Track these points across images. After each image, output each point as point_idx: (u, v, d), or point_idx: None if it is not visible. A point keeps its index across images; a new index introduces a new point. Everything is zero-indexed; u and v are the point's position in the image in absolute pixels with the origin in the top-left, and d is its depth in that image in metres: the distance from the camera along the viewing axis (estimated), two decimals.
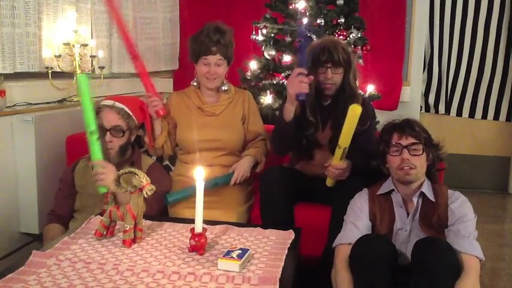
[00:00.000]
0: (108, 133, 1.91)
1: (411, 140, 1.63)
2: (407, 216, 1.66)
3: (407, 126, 1.66)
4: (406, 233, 1.64)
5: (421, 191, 1.65)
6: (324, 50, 1.96)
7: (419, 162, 1.63)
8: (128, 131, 1.97)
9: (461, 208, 1.61)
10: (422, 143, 1.64)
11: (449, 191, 1.68)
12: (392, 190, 1.70)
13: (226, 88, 2.17)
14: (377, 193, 1.72)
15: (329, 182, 1.93)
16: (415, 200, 1.66)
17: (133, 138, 2.05)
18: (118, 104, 1.97)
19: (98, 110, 1.95)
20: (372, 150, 1.95)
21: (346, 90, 2.02)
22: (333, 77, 1.98)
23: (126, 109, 1.97)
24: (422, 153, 1.64)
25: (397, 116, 1.75)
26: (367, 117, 2.01)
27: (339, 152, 1.82)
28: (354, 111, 1.73)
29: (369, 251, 1.50)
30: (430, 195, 1.65)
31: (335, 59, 1.95)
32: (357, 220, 1.67)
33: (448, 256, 1.44)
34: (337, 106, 2.02)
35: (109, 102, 1.98)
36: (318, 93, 2.03)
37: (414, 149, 1.63)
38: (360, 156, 1.93)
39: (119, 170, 1.57)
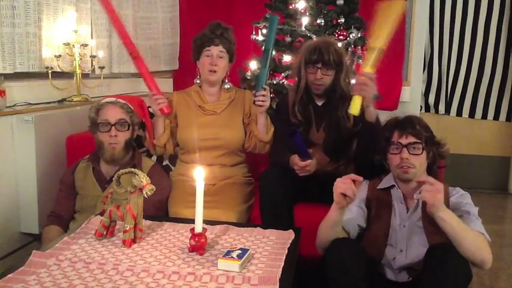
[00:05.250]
0: (113, 127, 1.92)
1: (411, 139, 1.63)
2: (407, 212, 1.66)
3: (408, 125, 1.65)
4: (405, 229, 1.63)
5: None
6: (316, 49, 1.96)
7: (419, 162, 1.63)
8: (131, 126, 1.98)
9: (460, 198, 1.63)
10: (423, 142, 1.63)
11: (450, 188, 1.68)
12: (393, 186, 1.70)
13: (228, 86, 2.18)
14: (377, 187, 1.72)
15: (354, 106, 1.70)
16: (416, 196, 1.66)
17: (135, 134, 2.05)
18: (120, 100, 2.00)
19: (100, 108, 1.96)
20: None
21: (337, 91, 2.01)
22: (323, 78, 1.97)
23: (129, 104, 2.00)
24: (422, 153, 1.63)
25: (400, 113, 1.75)
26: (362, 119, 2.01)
27: (370, 55, 1.60)
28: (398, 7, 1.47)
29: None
30: None
31: (325, 60, 1.94)
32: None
33: (460, 268, 1.40)
34: (329, 107, 2.02)
35: (111, 98, 2.01)
36: (308, 92, 2.03)
37: (414, 148, 1.62)
38: (365, 152, 1.91)
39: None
